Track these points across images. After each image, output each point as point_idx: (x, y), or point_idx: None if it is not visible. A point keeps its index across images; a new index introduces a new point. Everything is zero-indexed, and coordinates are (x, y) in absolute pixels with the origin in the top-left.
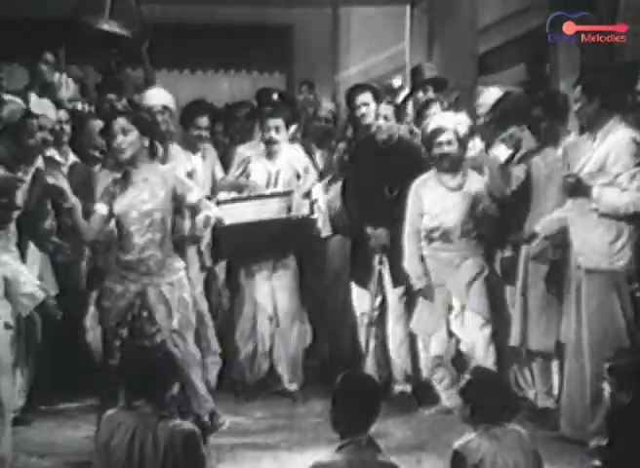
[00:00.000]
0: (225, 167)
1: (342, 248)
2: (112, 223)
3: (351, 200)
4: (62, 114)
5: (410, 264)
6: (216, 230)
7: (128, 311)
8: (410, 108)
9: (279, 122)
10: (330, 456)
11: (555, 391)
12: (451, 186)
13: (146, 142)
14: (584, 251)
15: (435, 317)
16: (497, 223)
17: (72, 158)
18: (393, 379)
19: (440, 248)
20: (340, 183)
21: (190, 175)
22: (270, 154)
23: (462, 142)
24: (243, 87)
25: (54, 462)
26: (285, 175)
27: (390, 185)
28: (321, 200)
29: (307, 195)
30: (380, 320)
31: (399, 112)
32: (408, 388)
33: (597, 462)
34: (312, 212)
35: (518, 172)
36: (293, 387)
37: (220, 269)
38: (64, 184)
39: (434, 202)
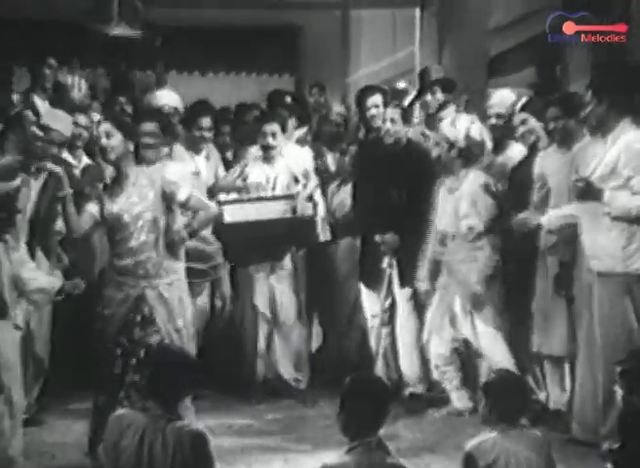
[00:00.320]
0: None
1: (352, 249)
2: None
3: (360, 203)
4: (82, 119)
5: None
6: (220, 230)
7: (128, 316)
8: (417, 111)
9: (275, 127)
10: (339, 458)
11: (567, 393)
12: (450, 187)
13: (131, 147)
14: (597, 254)
15: (438, 317)
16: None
17: (85, 160)
18: (403, 381)
19: (439, 251)
20: (350, 185)
21: (196, 175)
22: (268, 159)
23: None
24: (252, 89)
25: (65, 462)
26: (283, 179)
27: (398, 189)
28: (321, 205)
29: (310, 199)
30: (390, 322)
31: (406, 115)
32: (418, 390)
33: (609, 465)
34: (315, 215)
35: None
36: (300, 386)
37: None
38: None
39: (439, 204)
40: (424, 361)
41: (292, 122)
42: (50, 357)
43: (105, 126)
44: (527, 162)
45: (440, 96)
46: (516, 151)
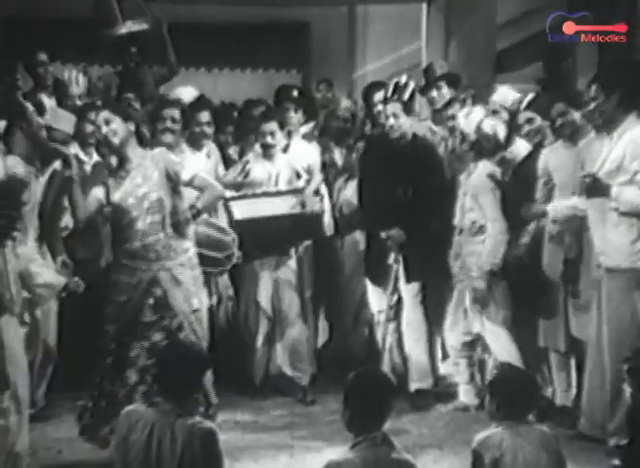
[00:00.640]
0: None
1: (358, 245)
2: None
3: (366, 199)
4: (93, 115)
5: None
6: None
7: (142, 301)
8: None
9: (274, 126)
10: (344, 454)
11: (573, 389)
12: (462, 182)
13: (132, 127)
14: (605, 250)
15: (454, 310)
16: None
17: (96, 158)
18: (410, 376)
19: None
20: (356, 181)
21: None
22: (268, 156)
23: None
24: (259, 85)
25: (71, 458)
26: (285, 175)
27: (404, 185)
28: (326, 199)
29: (316, 193)
30: (396, 318)
31: (407, 108)
32: (424, 385)
33: (616, 461)
34: (322, 209)
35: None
36: (302, 383)
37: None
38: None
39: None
40: (431, 356)
41: (299, 117)
42: (58, 350)
43: (103, 114)
44: (532, 158)
45: (446, 91)
46: (521, 147)
